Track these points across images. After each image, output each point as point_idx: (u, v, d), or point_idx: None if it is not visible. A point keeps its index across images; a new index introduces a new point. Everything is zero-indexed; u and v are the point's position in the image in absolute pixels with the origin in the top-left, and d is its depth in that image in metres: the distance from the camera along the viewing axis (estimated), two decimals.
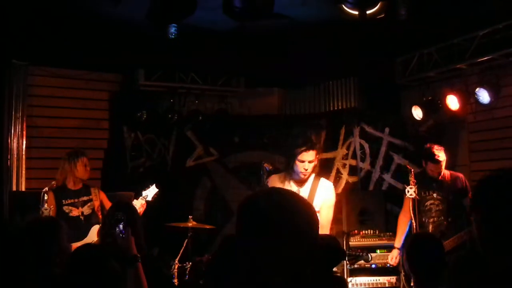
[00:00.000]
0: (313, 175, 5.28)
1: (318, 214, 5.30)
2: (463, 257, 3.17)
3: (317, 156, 5.17)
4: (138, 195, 5.76)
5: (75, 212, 5.69)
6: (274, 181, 5.27)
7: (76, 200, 5.75)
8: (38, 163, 7.16)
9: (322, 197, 5.19)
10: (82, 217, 5.71)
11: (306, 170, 5.08)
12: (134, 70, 7.73)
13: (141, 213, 5.34)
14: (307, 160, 5.06)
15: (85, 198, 5.81)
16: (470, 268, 2.15)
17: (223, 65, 7.93)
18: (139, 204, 5.45)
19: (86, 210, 5.76)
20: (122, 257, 3.38)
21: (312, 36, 6.99)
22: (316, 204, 5.13)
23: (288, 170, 5.25)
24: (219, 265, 1.94)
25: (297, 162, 5.07)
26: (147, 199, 5.68)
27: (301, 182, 5.21)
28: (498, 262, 1.94)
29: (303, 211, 1.80)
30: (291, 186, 5.19)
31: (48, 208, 5.33)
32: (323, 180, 5.34)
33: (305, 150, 5.05)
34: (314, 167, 5.18)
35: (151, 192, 5.79)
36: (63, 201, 5.69)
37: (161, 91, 7.98)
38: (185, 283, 5.83)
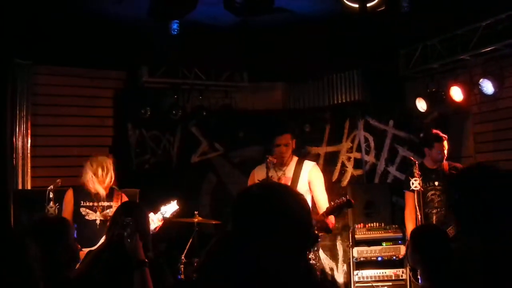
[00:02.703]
0: (295, 159, 5.65)
1: (310, 196, 5.52)
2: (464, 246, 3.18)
3: (292, 140, 5.61)
4: (153, 204, 5.39)
5: (91, 216, 5.38)
6: (258, 170, 5.68)
7: (95, 204, 5.42)
8: (43, 162, 7.18)
9: (307, 178, 5.54)
10: (98, 222, 5.38)
11: (283, 152, 5.52)
12: (137, 67, 7.74)
13: (157, 229, 5.07)
14: (282, 143, 5.52)
15: (105, 203, 5.45)
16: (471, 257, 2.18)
17: (226, 60, 7.93)
18: (156, 219, 5.15)
19: (104, 215, 5.37)
20: (129, 261, 3.39)
21: (315, 29, 6.99)
22: (302, 186, 5.44)
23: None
24: (215, 261, 1.95)
25: (275, 148, 5.53)
26: (164, 215, 5.37)
27: (282, 167, 5.59)
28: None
29: (294, 197, 1.84)
30: (274, 172, 5.55)
31: (53, 206, 5.31)
32: (306, 161, 5.69)
33: (279, 135, 5.55)
34: (291, 149, 5.61)
35: (170, 208, 5.47)
36: (81, 202, 5.40)
37: (164, 87, 7.97)
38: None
